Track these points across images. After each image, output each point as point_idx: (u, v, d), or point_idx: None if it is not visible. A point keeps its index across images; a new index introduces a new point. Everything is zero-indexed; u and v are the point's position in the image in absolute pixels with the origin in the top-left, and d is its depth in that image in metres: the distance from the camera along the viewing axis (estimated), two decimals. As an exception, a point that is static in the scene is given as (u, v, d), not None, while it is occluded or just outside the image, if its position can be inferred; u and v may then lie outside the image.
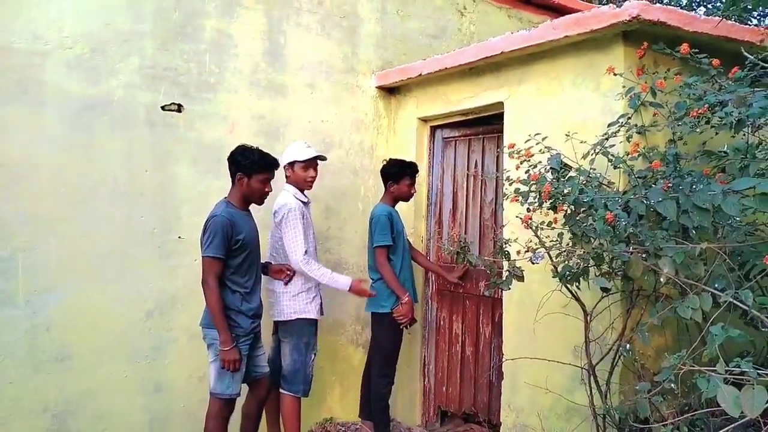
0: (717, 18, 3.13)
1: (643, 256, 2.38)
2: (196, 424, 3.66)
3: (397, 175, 3.94)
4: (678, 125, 2.67)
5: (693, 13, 3.32)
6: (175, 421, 3.64)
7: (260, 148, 3.29)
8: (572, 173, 2.74)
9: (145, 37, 3.54)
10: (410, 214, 4.41)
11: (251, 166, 3.19)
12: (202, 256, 3.09)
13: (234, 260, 3.15)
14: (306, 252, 3.44)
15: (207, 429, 3.18)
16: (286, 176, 3.62)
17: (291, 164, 3.59)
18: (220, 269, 3.10)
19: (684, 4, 11.80)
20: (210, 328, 3.17)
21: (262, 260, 3.48)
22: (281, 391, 3.54)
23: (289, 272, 3.50)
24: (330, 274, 3.52)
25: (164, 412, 3.61)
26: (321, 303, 3.63)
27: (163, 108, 3.61)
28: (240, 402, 3.33)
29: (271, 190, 3.32)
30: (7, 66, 3.15)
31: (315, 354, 3.58)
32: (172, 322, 3.64)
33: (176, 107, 3.66)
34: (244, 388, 3.40)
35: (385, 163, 4.06)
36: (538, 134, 2.88)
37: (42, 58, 3.24)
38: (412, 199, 4.24)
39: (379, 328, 3.93)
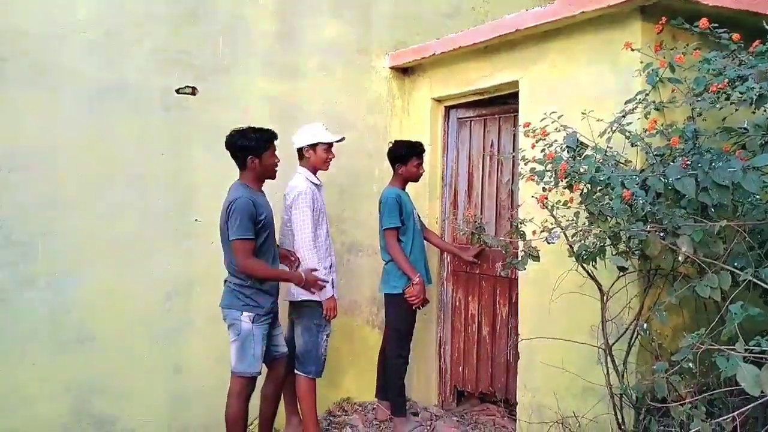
0: (738, -9, 3.06)
1: (661, 234, 2.36)
2: (214, 404, 3.71)
3: (405, 156, 3.93)
4: (697, 101, 2.62)
5: (713, -14, 3.23)
6: (194, 400, 3.70)
7: (269, 128, 3.29)
8: (588, 151, 2.70)
9: (158, 21, 3.54)
10: (424, 195, 4.40)
11: (258, 145, 3.20)
12: (233, 240, 3.09)
13: (256, 240, 3.18)
14: (313, 239, 3.44)
15: (229, 407, 3.23)
16: (305, 158, 3.61)
17: (313, 146, 3.58)
18: (253, 248, 3.12)
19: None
20: (230, 308, 3.21)
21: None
22: (296, 372, 3.57)
23: (293, 259, 3.50)
24: (323, 277, 3.46)
25: (184, 392, 3.67)
26: (333, 285, 3.63)
27: (177, 91, 3.62)
28: (260, 382, 3.37)
29: (279, 160, 3.34)
30: (22, 50, 3.17)
31: (328, 335, 3.59)
32: (190, 304, 3.67)
33: (190, 90, 3.66)
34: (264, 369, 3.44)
35: (390, 145, 4.05)
36: (553, 113, 2.85)
37: (57, 42, 3.26)
38: (426, 180, 4.23)
39: (392, 309, 3.95)
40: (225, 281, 3.29)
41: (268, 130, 3.27)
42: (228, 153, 3.25)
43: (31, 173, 3.20)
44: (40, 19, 3.21)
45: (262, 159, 3.22)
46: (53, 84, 3.25)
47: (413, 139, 4.10)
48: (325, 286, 3.45)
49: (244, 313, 3.18)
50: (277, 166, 3.33)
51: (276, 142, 3.31)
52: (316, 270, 3.40)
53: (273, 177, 3.36)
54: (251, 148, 3.19)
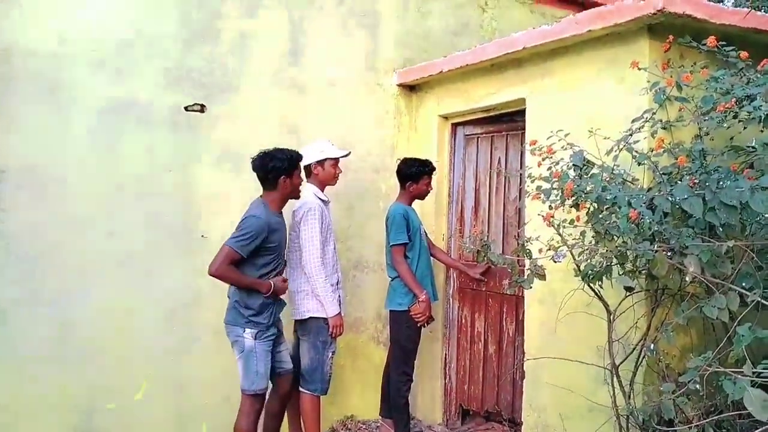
0: (745, 9, 3.06)
1: (668, 254, 2.34)
2: (220, 420, 3.71)
3: (417, 175, 3.92)
4: (704, 120, 2.61)
5: (720, 4, 3.24)
6: (199, 417, 3.68)
7: (281, 146, 3.33)
8: (595, 170, 2.69)
9: (168, 39, 3.58)
10: (431, 212, 4.40)
11: (290, 165, 3.27)
12: (225, 244, 3.11)
13: (262, 259, 3.21)
14: (321, 255, 3.45)
15: (236, 424, 3.25)
16: (313, 174, 3.63)
17: (321, 162, 3.60)
18: (236, 261, 3.13)
19: (713, -4, 11.55)
20: (234, 325, 3.22)
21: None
22: (300, 389, 3.55)
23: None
24: (330, 294, 3.46)
25: (189, 409, 3.66)
26: (340, 302, 3.62)
27: (186, 108, 3.65)
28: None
29: (302, 180, 3.43)
30: (34, 69, 3.21)
31: (333, 352, 3.58)
32: (195, 320, 3.68)
33: (199, 108, 3.69)
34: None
35: (400, 162, 4.05)
36: (560, 130, 2.85)
37: (67, 60, 3.30)
38: (432, 197, 4.23)
39: (397, 326, 3.93)
40: (228, 297, 3.31)
41: (293, 151, 3.35)
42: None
43: (39, 190, 3.23)
44: (51, 38, 3.25)
45: (292, 178, 3.30)
46: (63, 101, 3.29)
47: (422, 157, 4.10)
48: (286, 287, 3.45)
49: (246, 329, 3.19)
50: (300, 185, 3.41)
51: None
52: (285, 280, 3.42)
53: (297, 197, 3.44)
54: (284, 168, 3.25)
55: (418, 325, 3.85)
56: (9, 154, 3.15)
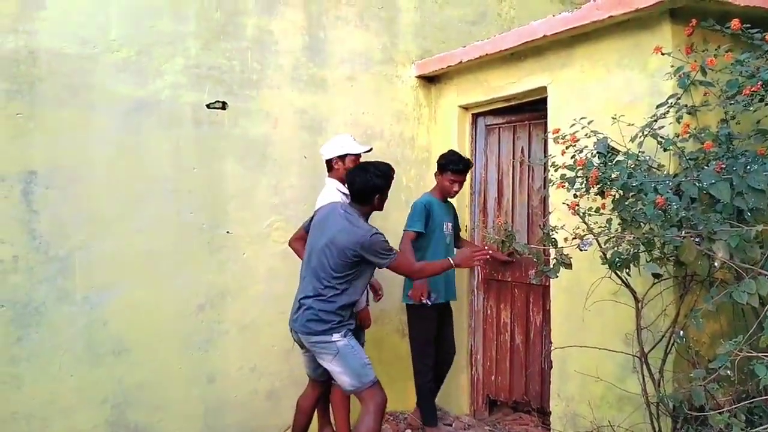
0: (770, -10, 3.00)
1: (696, 240, 2.31)
2: (248, 414, 3.77)
3: (442, 167, 3.89)
4: (730, 104, 2.57)
5: (744, -14, 3.18)
6: (228, 411, 3.73)
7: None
8: (620, 157, 2.67)
9: (188, 38, 3.61)
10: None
11: (387, 184, 3.27)
12: (397, 260, 3.17)
13: (359, 268, 3.15)
14: None
15: (366, 424, 3.07)
16: (334, 169, 3.64)
17: (342, 157, 3.61)
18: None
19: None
20: (318, 334, 3.10)
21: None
22: (333, 382, 3.57)
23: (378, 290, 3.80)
24: None
25: (218, 403, 3.71)
26: (367, 295, 3.63)
27: (208, 106, 3.68)
28: (294, 395, 3.36)
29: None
30: (58, 71, 3.26)
31: (362, 344, 3.59)
32: (222, 315, 3.72)
33: (221, 105, 3.73)
34: (301, 380, 3.45)
35: (445, 152, 3.99)
36: (583, 118, 2.83)
37: (90, 62, 3.34)
38: (457, 188, 4.20)
39: (409, 319, 4.00)
40: (301, 305, 3.18)
41: (389, 166, 3.31)
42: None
43: (68, 190, 3.28)
44: (74, 40, 3.29)
45: (383, 195, 3.29)
46: (88, 102, 3.34)
47: (464, 155, 4.00)
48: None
49: (334, 334, 3.10)
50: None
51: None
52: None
53: (381, 209, 3.39)
54: (381, 187, 3.24)
55: (424, 303, 3.80)
56: (38, 156, 3.21)
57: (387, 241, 3.13)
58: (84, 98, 3.33)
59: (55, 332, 3.25)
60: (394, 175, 3.33)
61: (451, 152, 3.96)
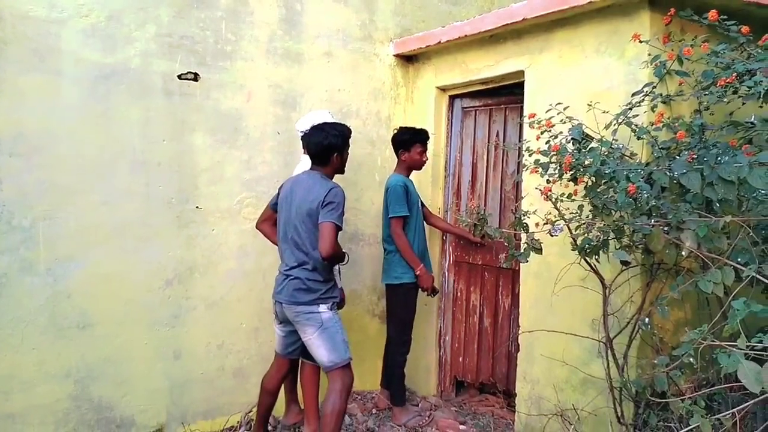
0: (748, -17, 3.01)
1: (665, 229, 2.34)
2: (214, 391, 3.74)
3: (408, 142, 3.90)
4: (704, 95, 2.59)
5: (723, -23, 3.19)
6: (194, 387, 3.70)
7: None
8: (594, 144, 2.68)
9: (161, 5, 3.50)
10: (427, 185, 4.38)
11: (344, 142, 3.29)
12: (331, 221, 3.06)
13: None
14: None
15: (337, 407, 3.06)
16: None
17: None
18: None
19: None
20: (306, 304, 3.11)
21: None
22: (302, 359, 3.56)
23: None
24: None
25: (183, 379, 3.67)
26: (339, 275, 3.61)
27: (179, 77, 3.59)
28: (261, 373, 3.35)
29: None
30: (23, 34, 3.13)
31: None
32: (190, 291, 3.67)
33: (193, 76, 3.63)
34: (269, 358, 3.42)
35: (395, 131, 4.03)
36: (559, 104, 2.82)
37: (58, 26, 3.22)
38: (429, 170, 4.20)
39: (393, 300, 3.95)
40: (287, 276, 3.19)
41: (345, 126, 3.32)
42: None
43: (32, 158, 3.18)
44: (42, 3, 3.17)
45: (342, 155, 3.31)
46: (55, 68, 3.22)
47: (418, 126, 4.07)
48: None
49: (320, 305, 3.11)
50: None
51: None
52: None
53: (343, 172, 3.44)
54: (338, 146, 3.25)
55: (427, 296, 3.90)
56: (1, 122, 3.09)
57: (343, 204, 3.14)
58: (50, 64, 3.21)
59: (17, 304, 3.16)
60: (351, 135, 3.35)
61: (407, 127, 4.02)
